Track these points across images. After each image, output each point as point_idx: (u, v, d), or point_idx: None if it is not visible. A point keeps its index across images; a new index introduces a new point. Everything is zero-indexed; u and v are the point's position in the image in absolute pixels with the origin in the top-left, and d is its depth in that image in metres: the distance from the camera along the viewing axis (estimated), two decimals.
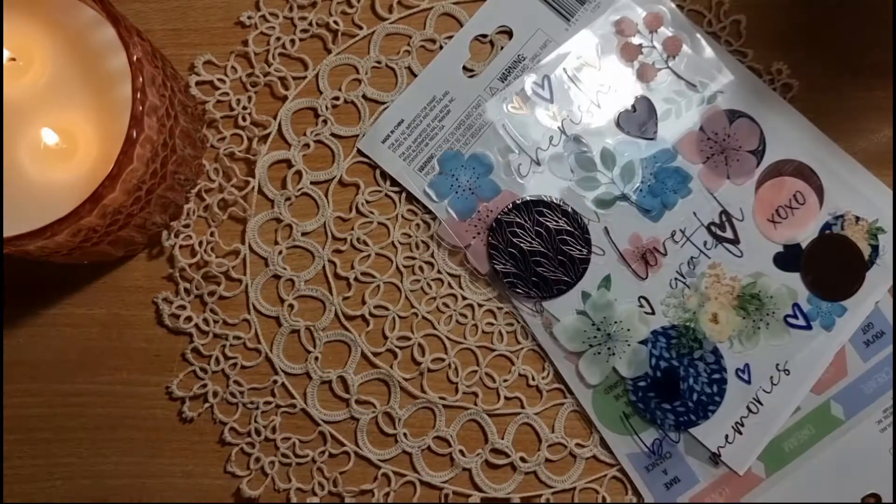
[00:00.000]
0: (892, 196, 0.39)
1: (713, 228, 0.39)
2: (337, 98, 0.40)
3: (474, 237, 0.39)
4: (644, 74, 0.40)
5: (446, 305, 0.39)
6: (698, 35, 0.40)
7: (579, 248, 0.39)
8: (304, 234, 0.40)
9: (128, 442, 0.39)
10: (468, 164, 0.39)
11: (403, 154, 0.39)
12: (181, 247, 0.39)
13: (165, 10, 0.41)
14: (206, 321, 0.39)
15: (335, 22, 0.40)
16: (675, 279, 0.39)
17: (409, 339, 0.39)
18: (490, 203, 0.39)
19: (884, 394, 0.38)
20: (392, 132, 0.40)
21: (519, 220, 0.39)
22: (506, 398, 0.39)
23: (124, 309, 0.40)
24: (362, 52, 0.41)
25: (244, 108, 0.40)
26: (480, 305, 0.39)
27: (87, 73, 0.34)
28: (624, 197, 0.39)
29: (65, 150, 0.34)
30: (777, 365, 0.38)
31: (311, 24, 0.41)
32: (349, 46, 0.41)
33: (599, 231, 0.39)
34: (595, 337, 0.38)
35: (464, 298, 0.39)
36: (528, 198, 0.39)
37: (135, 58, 0.32)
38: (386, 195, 0.40)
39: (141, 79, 0.31)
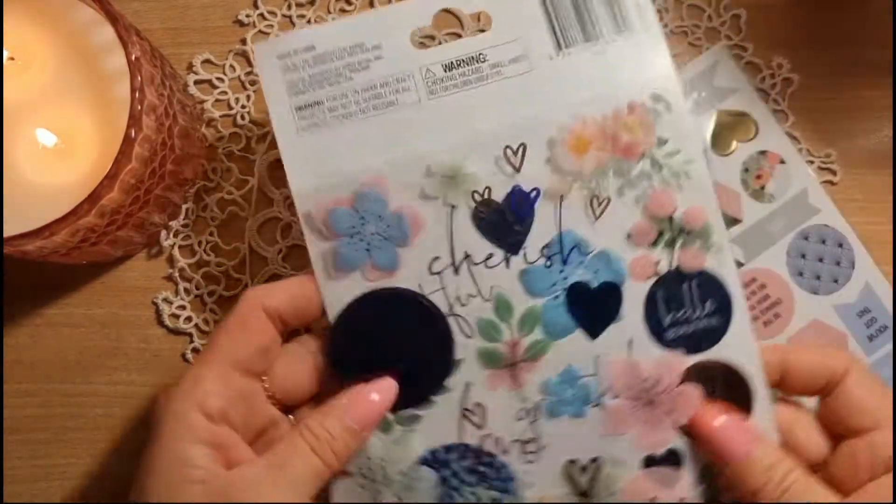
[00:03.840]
0: (892, 202, 0.39)
1: None
2: None
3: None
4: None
5: None
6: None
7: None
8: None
9: (128, 442, 0.39)
10: (390, 218, 0.32)
11: (292, 81, 0.32)
12: (180, 246, 0.39)
13: (164, 9, 0.41)
14: (206, 321, 0.39)
15: (333, 20, 0.40)
16: None
17: None
18: (378, 272, 0.32)
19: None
20: (295, 52, 0.32)
21: (370, 312, 0.32)
22: None
23: (123, 309, 0.39)
24: None
25: (243, 106, 0.40)
26: None
27: (86, 73, 0.34)
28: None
29: (63, 150, 0.34)
30: None
31: (309, 21, 0.40)
32: None
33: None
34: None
35: None
36: (397, 286, 0.32)
37: (133, 57, 0.31)
38: None
39: (139, 78, 0.31)
